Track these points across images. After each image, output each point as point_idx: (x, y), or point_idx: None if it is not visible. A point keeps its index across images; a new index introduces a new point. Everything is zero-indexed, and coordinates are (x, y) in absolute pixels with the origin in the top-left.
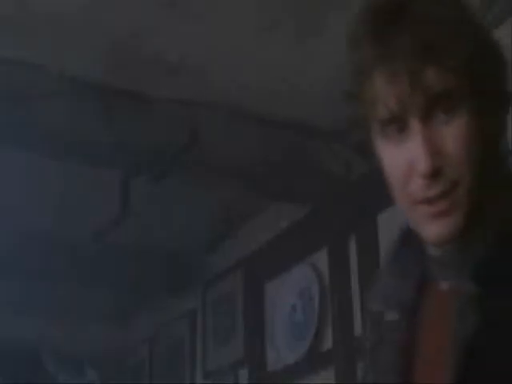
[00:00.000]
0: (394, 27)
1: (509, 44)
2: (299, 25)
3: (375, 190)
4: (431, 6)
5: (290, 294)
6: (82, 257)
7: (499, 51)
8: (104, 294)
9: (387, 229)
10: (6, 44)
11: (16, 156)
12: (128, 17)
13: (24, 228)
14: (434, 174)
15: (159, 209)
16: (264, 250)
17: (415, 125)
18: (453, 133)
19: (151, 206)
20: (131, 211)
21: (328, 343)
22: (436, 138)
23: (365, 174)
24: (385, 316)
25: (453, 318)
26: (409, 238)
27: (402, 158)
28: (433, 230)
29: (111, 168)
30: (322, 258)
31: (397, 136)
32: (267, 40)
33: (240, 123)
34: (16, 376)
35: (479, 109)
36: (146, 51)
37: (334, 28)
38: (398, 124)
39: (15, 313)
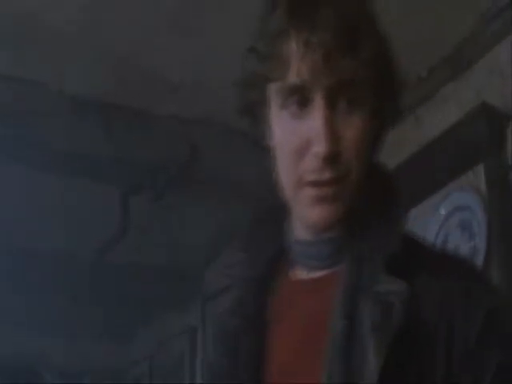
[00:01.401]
0: (316, 3)
1: (508, 60)
2: None
3: None
4: (351, 2)
5: None
6: (82, 273)
7: (397, 66)
8: (104, 310)
9: None
10: (6, 61)
11: (15, 173)
12: (128, 34)
13: (24, 244)
14: (331, 159)
15: (159, 225)
16: None
17: (319, 102)
18: (353, 124)
19: (151, 222)
20: (131, 227)
21: None
22: (337, 125)
23: None
24: (230, 292)
25: (324, 307)
26: (269, 219)
27: (299, 133)
28: (316, 213)
29: (111, 184)
30: None
31: (297, 109)
32: None
33: (239, 140)
34: None
35: (376, 109)
36: (146, 68)
37: None
38: (302, 96)
39: (15, 328)
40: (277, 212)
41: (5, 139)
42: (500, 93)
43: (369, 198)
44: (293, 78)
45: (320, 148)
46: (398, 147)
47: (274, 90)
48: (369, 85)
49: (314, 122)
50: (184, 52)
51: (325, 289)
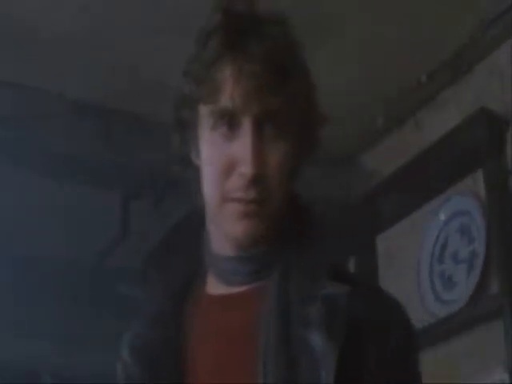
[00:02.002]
0: (249, 35)
1: (508, 65)
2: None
3: (374, 212)
4: (280, 35)
5: None
6: (83, 276)
7: (319, 100)
8: (105, 317)
9: (386, 249)
10: (6, 66)
11: (14, 177)
12: (128, 39)
13: (23, 248)
14: (256, 180)
15: (159, 229)
16: None
17: (248, 127)
18: (277, 150)
19: (151, 226)
20: (132, 232)
21: None
22: (263, 149)
23: (363, 196)
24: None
25: (249, 321)
26: (184, 234)
27: (227, 154)
28: (240, 229)
29: (111, 189)
30: None
31: (227, 131)
32: None
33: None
34: None
35: (299, 139)
36: (146, 74)
37: (332, 54)
38: (232, 120)
39: (16, 335)
40: (192, 227)
41: (5, 143)
42: (500, 97)
43: (290, 219)
44: (225, 102)
45: (246, 169)
46: (398, 151)
47: (205, 112)
48: (293, 116)
49: (242, 144)
50: (183, 59)
51: (249, 304)
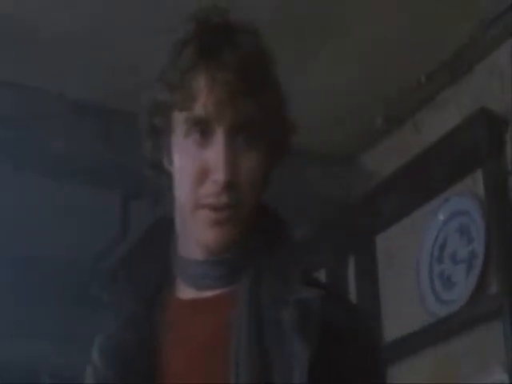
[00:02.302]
0: (223, 45)
1: (508, 65)
2: (298, 50)
3: (373, 212)
4: (253, 45)
5: None
6: (82, 277)
7: (289, 110)
8: (104, 314)
9: (385, 249)
10: (6, 66)
11: (14, 177)
12: (128, 39)
13: (24, 252)
14: (228, 186)
15: None
16: None
17: (220, 134)
18: (249, 158)
19: None
20: (132, 233)
21: None
22: (235, 157)
23: (363, 196)
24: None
25: (221, 325)
26: (153, 239)
27: (200, 161)
28: (212, 235)
29: (111, 189)
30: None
31: (200, 139)
32: None
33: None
34: None
35: (270, 147)
36: (146, 74)
37: (332, 54)
38: (205, 127)
39: (15, 335)
40: (162, 232)
41: (5, 143)
42: (500, 97)
43: (261, 224)
44: (199, 110)
45: (219, 176)
46: (398, 151)
47: (179, 119)
48: (265, 125)
49: (215, 152)
50: None
51: (220, 308)
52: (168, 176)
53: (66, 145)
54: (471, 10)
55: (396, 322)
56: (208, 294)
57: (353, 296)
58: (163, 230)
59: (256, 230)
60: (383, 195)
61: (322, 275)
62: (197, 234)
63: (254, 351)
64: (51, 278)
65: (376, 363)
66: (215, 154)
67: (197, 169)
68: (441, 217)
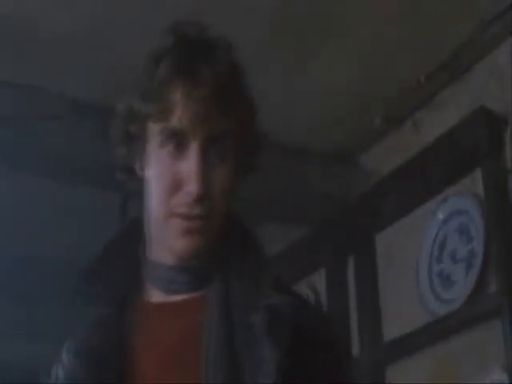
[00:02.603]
0: (198, 61)
1: (507, 65)
2: (298, 50)
3: (373, 211)
4: (228, 61)
5: None
6: None
7: (260, 126)
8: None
9: (385, 249)
10: (6, 65)
11: (14, 177)
12: (128, 38)
13: (23, 249)
14: (200, 198)
15: None
16: None
17: (194, 147)
18: (221, 171)
19: None
20: None
21: None
22: (208, 169)
23: (362, 195)
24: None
25: (190, 328)
26: (122, 244)
27: (174, 172)
28: (183, 243)
29: (111, 189)
30: (319, 279)
31: (175, 150)
32: (266, 64)
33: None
34: None
35: (241, 162)
36: None
37: (332, 54)
38: (180, 140)
39: (15, 335)
40: (132, 236)
41: (4, 143)
42: (499, 97)
43: (230, 234)
44: (174, 122)
45: (192, 188)
46: (397, 151)
47: (155, 129)
48: (237, 139)
49: (189, 164)
50: None
51: (188, 312)
52: (139, 181)
53: (66, 144)
54: (471, 10)
55: (395, 321)
56: (176, 298)
57: (352, 295)
58: (135, 232)
59: (226, 237)
60: (383, 195)
61: (321, 274)
62: (169, 241)
63: (225, 354)
64: (51, 277)
65: (343, 368)
66: (189, 166)
67: (171, 179)
68: (440, 216)
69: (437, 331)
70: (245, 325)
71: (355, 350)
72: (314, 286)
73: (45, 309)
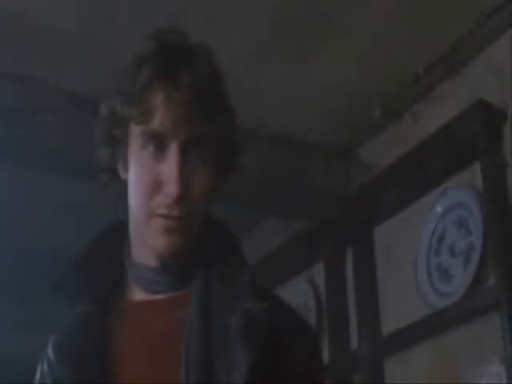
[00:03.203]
0: (179, 65)
1: (506, 58)
2: (298, 50)
3: (371, 204)
4: (208, 66)
5: None
6: None
7: (239, 130)
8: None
9: (384, 242)
10: (5, 59)
11: (14, 172)
12: (127, 32)
13: (23, 245)
14: (180, 199)
15: None
16: (261, 264)
17: (175, 149)
18: (200, 173)
19: None
20: None
21: (324, 357)
22: (187, 171)
23: (361, 189)
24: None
25: (171, 327)
26: (105, 244)
27: (155, 173)
28: (163, 242)
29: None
30: (318, 272)
31: (155, 152)
32: (267, 59)
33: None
34: None
35: (220, 164)
36: None
37: (332, 53)
38: (161, 142)
39: (15, 329)
40: (116, 236)
41: (4, 138)
42: (498, 90)
43: (211, 236)
44: (155, 125)
45: (172, 189)
46: (396, 144)
47: (136, 131)
48: (217, 142)
49: (169, 166)
50: None
51: (169, 310)
52: (122, 182)
53: (65, 138)
54: (470, 3)
55: (394, 315)
56: (158, 297)
57: (351, 289)
58: (119, 232)
59: (206, 240)
60: (381, 188)
61: (320, 268)
62: (149, 240)
63: (204, 351)
64: (51, 276)
65: (319, 372)
66: (169, 167)
67: (151, 180)
68: (439, 209)
69: (435, 324)
70: (223, 326)
71: (354, 343)
72: (313, 279)
73: (45, 307)
